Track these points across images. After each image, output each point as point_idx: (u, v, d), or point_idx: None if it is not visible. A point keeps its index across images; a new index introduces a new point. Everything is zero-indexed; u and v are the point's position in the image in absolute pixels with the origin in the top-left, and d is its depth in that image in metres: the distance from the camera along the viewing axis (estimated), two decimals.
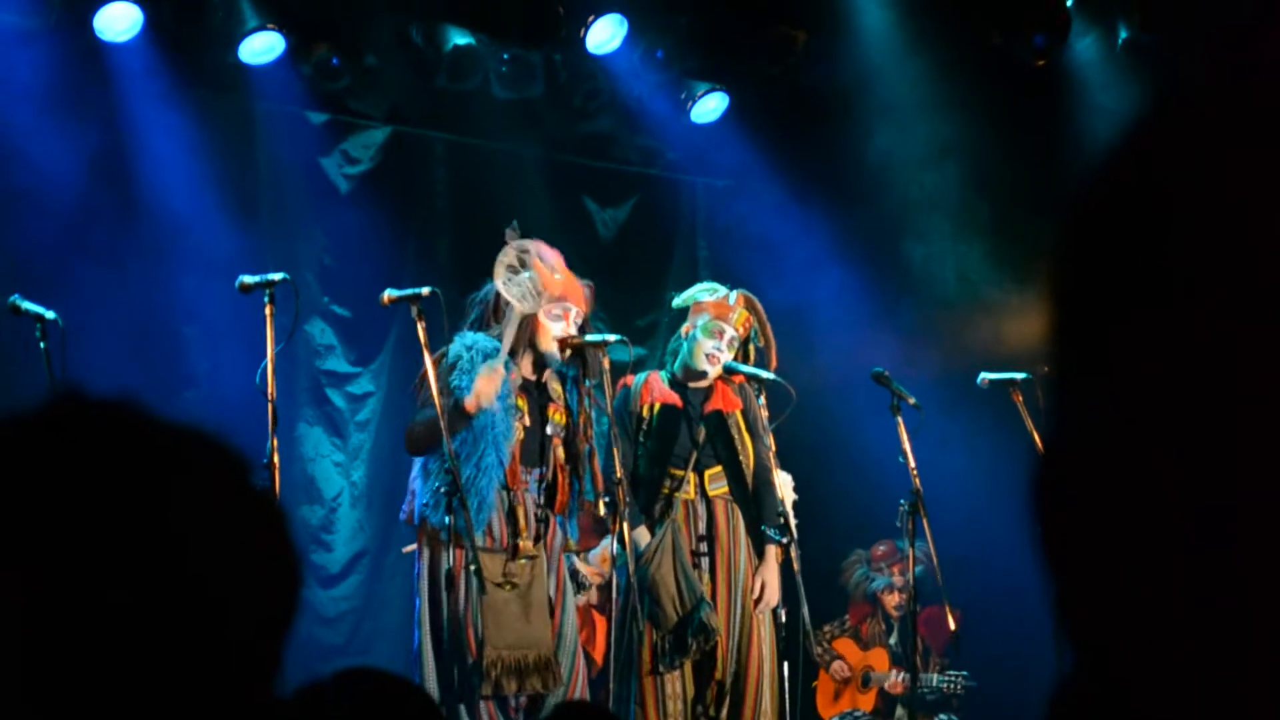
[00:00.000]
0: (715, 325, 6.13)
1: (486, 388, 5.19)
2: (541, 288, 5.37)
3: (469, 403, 5.18)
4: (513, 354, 5.41)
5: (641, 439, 6.10)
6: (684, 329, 6.24)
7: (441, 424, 5.04)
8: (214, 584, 1.10)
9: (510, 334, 5.35)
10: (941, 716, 7.54)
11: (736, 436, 6.12)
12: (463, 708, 5.20)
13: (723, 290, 6.25)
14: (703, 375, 6.15)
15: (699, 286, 6.37)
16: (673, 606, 5.91)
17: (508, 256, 5.40)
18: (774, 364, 6.15)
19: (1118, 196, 0.91)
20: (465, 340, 5.39)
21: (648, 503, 6.05)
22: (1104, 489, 0.90)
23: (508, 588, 5.28)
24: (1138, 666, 0.90)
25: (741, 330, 6.17)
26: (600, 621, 6.58)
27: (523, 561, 5.31)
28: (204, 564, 1.10)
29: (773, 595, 6.06)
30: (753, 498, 6.13)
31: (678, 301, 6.37)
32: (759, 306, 6.26)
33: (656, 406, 6.14)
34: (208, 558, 1.10)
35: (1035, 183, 8.04)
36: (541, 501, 5.44)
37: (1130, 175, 0.91)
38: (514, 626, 5.26)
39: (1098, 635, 0.92)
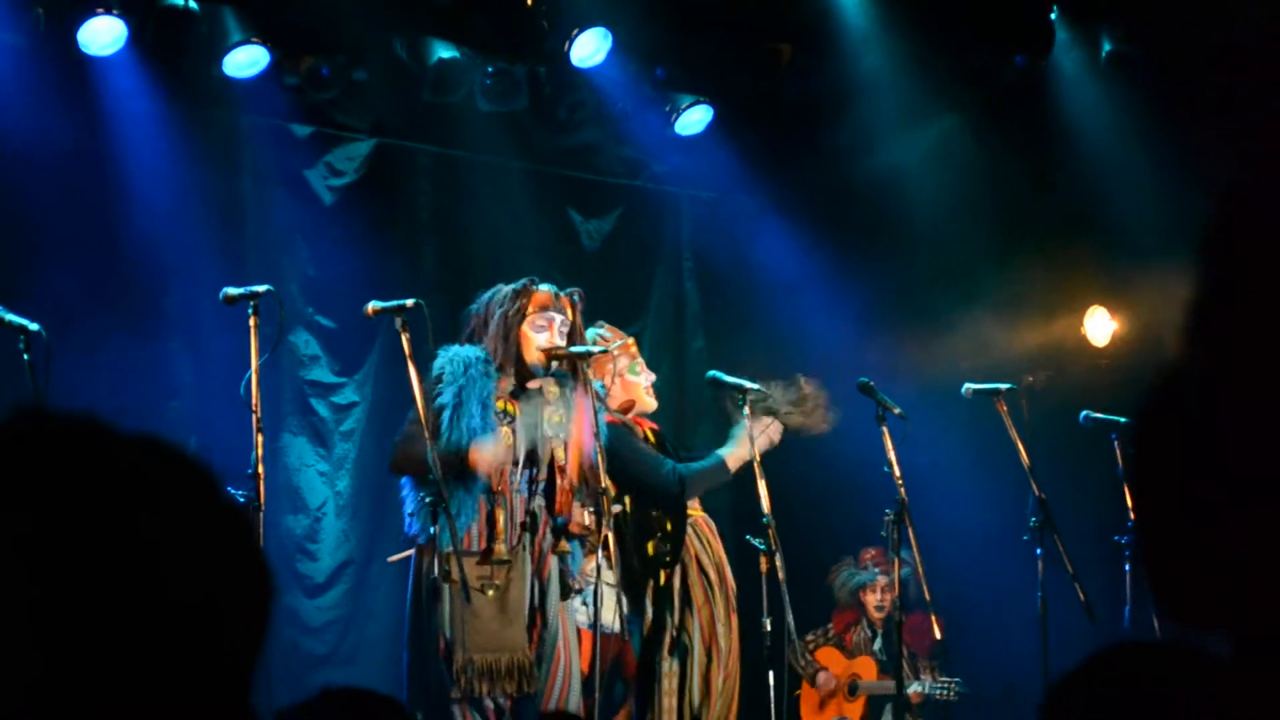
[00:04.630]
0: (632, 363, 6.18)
1: (490, 456, 5.26)
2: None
3: (472, 457, 5.24)
4: (500, 367, 5.45)
5: None
6: (607, 384, 6.11)
7: (429, 447, 5.05)
8: (182, 598, 1.10)
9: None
10: None
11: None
12: (455, 709, 5.23)
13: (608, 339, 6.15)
14: (647, 410, 6.20)
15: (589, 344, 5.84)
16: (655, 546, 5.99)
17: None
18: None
19: (1241, 231, 1.13)
20: (449, 353, 5.42)
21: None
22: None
23: (487, 591, 5.29)
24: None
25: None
26: (585, 634, 6.58)
27: (495, 565, 5.32)
28: (171, 577, 1.10)
29: (775, 433, 6.18)
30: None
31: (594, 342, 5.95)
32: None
33: (650, 436, 6.18)
34: (175, 571, 1.10)
35: (1021, 195, 8.07)
36: (532, 501, 5.44)
37: (1249, 211, 1.13)
38: (488, 630, 5.27)
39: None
